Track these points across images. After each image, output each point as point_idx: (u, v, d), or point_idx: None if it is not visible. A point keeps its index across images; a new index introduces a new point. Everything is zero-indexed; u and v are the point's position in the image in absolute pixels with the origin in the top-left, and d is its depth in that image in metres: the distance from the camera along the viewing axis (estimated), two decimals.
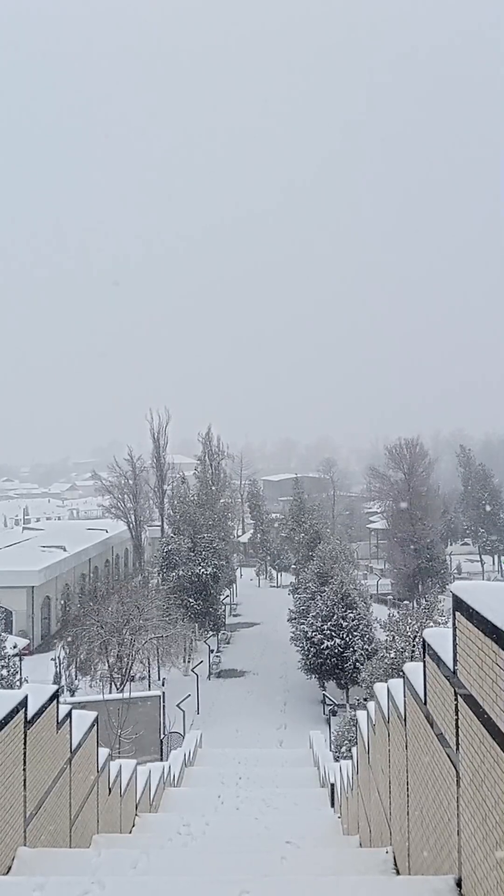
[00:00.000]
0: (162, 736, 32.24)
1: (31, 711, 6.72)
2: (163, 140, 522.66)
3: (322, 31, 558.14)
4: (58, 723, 7.84)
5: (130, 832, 11.62)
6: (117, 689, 37.15)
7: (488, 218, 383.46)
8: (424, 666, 5.92)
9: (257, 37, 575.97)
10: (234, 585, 68.92)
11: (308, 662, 41.42)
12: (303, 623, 42.74)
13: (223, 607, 57.69)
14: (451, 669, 4.89)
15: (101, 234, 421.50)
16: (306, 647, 41.30)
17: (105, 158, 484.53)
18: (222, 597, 57.47)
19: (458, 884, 4.72)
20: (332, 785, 15.97)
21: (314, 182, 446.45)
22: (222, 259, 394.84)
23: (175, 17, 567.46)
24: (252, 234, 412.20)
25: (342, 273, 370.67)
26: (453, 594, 4.78)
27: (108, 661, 38.86)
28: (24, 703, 6.53)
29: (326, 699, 38.19)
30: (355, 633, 40.05)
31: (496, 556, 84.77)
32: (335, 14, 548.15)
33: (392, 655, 28.02)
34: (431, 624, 27.09)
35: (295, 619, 44.66)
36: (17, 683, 33.17)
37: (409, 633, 28.03)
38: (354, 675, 37.82)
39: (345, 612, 40.75)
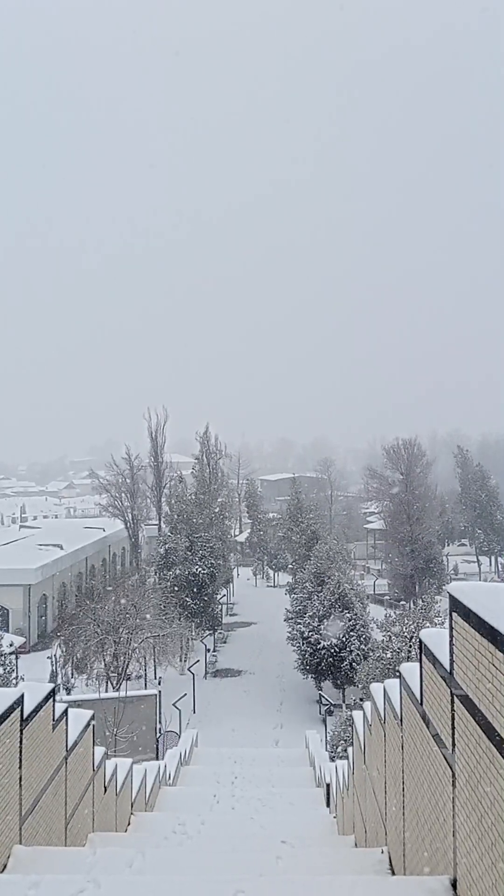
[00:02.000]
0: (158, 735, 32.22)
1: (27, 710, 6.71)
2: (158, 136, 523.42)
3: (318, 21, 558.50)
4: (54, 721, 7.84)
5: (126, 831, 11.62)
6: (113, 688, 37.14)
7: (485, 217, 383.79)
8: (421, 666, 5.92)
9: (252, 28, 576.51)
10: (231, 585, 68.89)
11: (304, 662, 41.42)
12: (299, 623, 42.73)
13: (220, 606, 57.65)
14: (448, 670, 4.89)
15: (98, 230, 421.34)
16: (303, 647, 41.31)
17: (100, 154, 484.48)
18: (219, 596, 57.43)
19: (454, 884, 4.73)
20: (328, 785, 15.98)
21: (309, 176, 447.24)
22: (219, 257, 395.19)
23: (171, 7, 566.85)
24: (249, 232, 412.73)
25: (339, 272, 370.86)
26: (450, 595, 4.78)
27: (104, 660, 38.84)
28: (20, 702, 6.52)
29: (323, 699, 38.21)
30: (352, 634, 40.07)
31: (493, 557, 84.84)
32: (331, 5, 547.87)
33: (389, 656, 28.01)
34: (428, 624, 27.09)
35: (292, 618, 44.64)
36: (14, 682, 33.13)
37: (405, 634, 28.01)
38: (351, 675, 37.80)
39: (342, 612, 40.76)
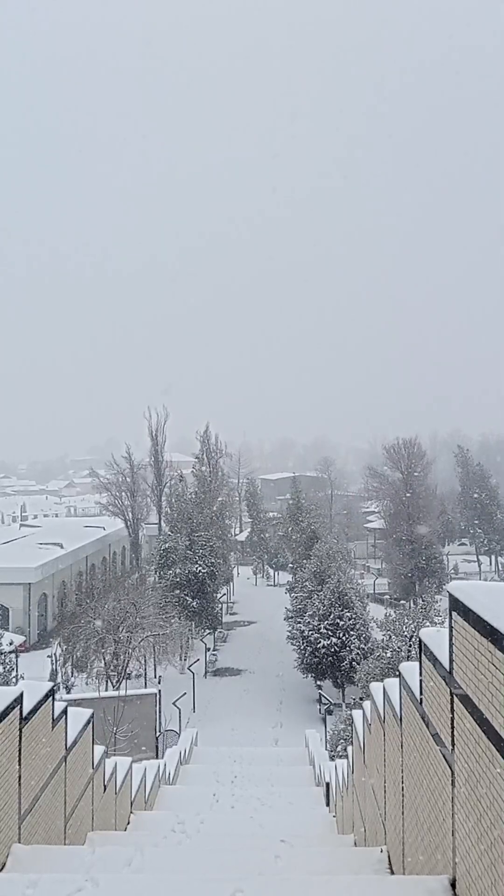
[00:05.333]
0: (157, 734, 32.22)
1: (26, 708, 6.71)
2: (168, 144, 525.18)
3: (330, 39, 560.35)
4: (53, 720, 7.83)
5: (125, 830, 11.61)
6: (113, 687, 37.12)
7: (487, 224, 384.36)
8: (420, 666, 5.91)
9: (263, 47, 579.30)
10: (231, 584, 68.88)
11: (304, 661, 41.42)
12: (299, 622, 42.73)
13: (220, 605, 57.63)
14: (448, 669, 4.89)
15: (103, 232, 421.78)
16: (303, 646, 41.30)
17: (109, 160, 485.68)
18: (219, 595, 57.42)
19: (453, 884, 4.72)
20: (328, 784, 15.98)
21: (315, 189, 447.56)
22: (223, 262, 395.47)
23: (180, 26, 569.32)
24: (253, 239, 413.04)
25: (341, 276, 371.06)
26: (450, 594, 4.77)
27: (104, 659, 38.82)
28: (19, 700, 6.51)
29: (322, 698, 38.19)
30: (352, 633, 40.05)
31: (493, 557, 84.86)
32: (342, 23, 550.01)
33: (388, 655, 28.05)
34: (428, 624, 27.08)
35: (292, 617, 44.65)
36: (13, 680, 33.13)
37: (405, 633, 28.06)
38: (351, 674, 37.79)
39: (341, 611, 40.74)
